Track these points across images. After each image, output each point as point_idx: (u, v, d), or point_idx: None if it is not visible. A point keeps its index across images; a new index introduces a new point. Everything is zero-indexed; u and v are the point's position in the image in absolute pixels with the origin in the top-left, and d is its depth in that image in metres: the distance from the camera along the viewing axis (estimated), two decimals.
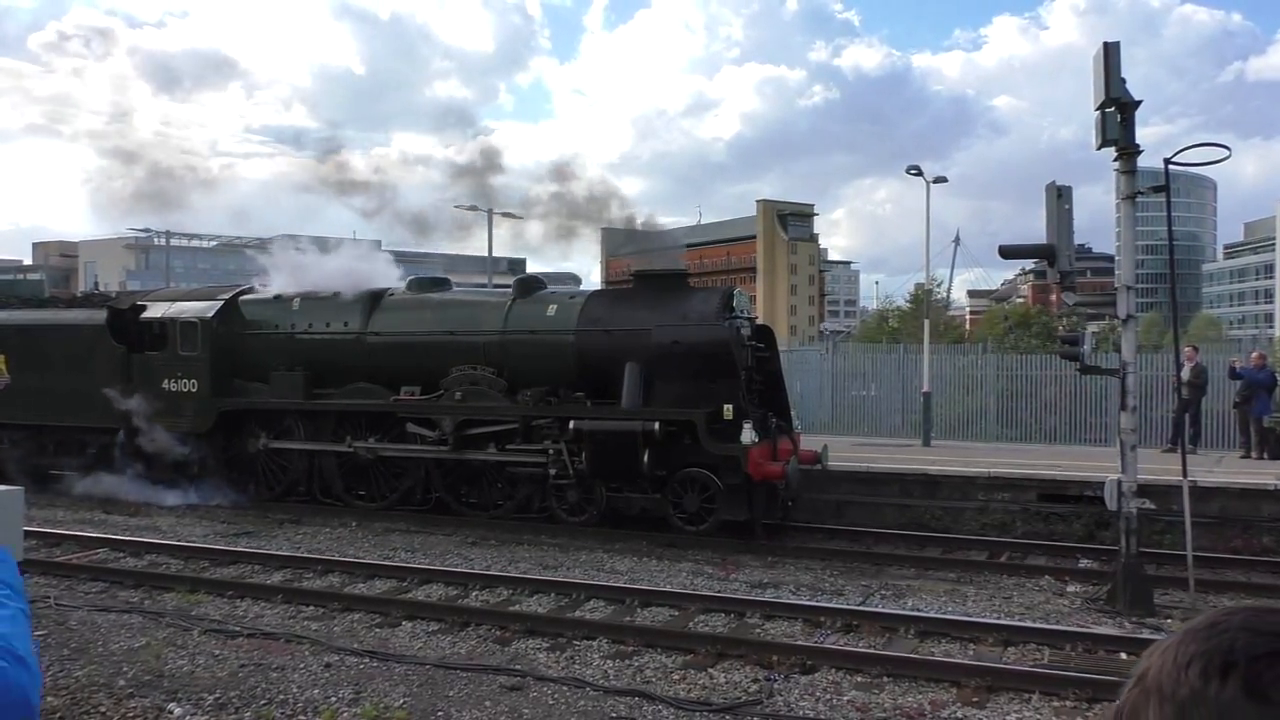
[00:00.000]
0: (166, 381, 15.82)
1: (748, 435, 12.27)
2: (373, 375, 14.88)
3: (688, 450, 12.73)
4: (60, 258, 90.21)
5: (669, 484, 12.89)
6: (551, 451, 13.36)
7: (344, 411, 14.99)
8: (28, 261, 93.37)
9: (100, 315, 16.76)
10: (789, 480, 12.60)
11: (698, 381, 12.77)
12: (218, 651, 7.97)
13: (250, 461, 15.67)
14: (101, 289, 41.92)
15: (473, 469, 14.22)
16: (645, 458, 12.65)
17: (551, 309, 14.03)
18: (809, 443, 14.19)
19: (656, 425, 12.62)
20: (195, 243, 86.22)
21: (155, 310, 16.49)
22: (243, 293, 16.54)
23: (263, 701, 6.84)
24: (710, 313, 13.11)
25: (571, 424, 13.08)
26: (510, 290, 14.85)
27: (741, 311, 13.73)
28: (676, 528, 12.81)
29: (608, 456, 12.90)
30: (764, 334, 14.38)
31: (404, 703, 6.82)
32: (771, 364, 14.08)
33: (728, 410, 12.54)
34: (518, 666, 7.66)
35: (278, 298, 16.21)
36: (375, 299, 15.39)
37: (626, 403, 12.99)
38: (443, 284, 16.27)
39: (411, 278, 16.51)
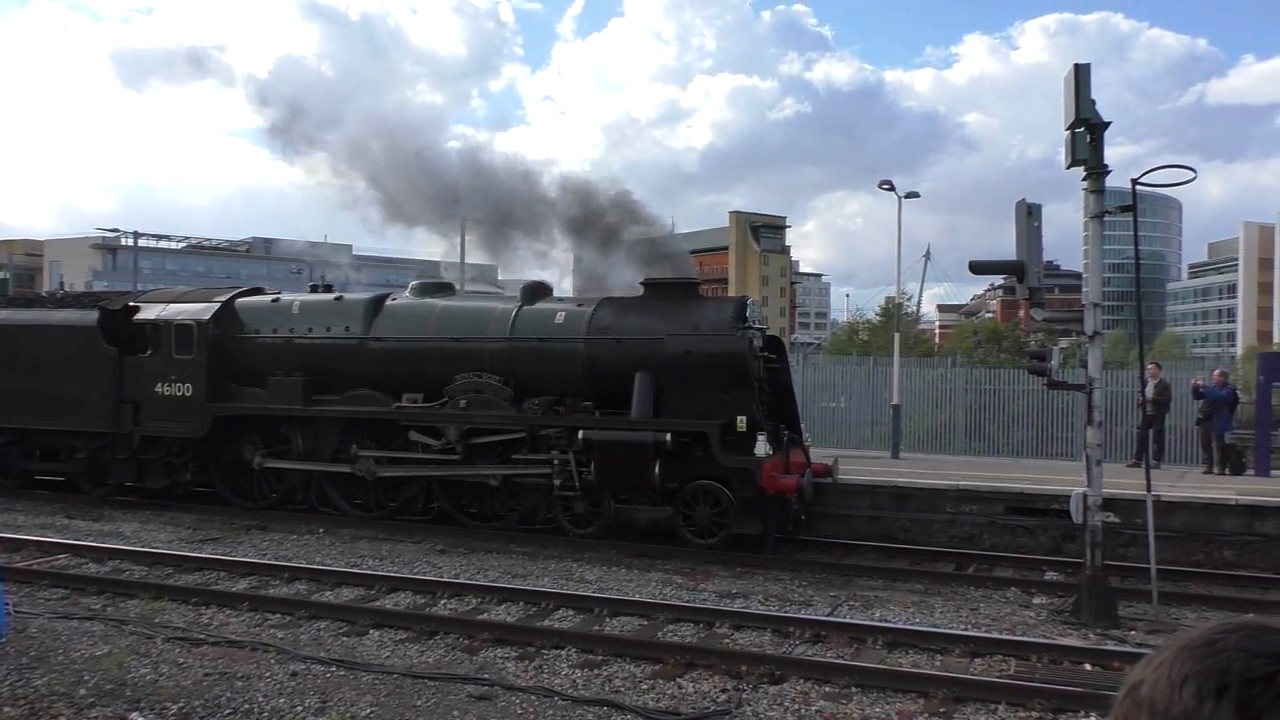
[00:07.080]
0: (160, 385, 15.37)
1: (762, 448, 12.13)
2: (375, 381, 14.55)
3: (699, 462, 12.54)
4: (25, 256, 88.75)
5: (680, 496, 12.73)
6: (558, 462, 13.16)
7: (344, 419, 14.70)
8: None
9: (91, 316, 16.14)
10: (803, 493, 12.55)
11: (710, 392, 12.59)
12: (182, 660, 7.87)
13: (246, 468, 15.29)
14: (67, 289, 41.27)
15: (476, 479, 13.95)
16: (656, 469, 12.43)
17: (559, 316, 13.80)
18: None
19: (668, 436, 12.44)
20: (164, 243, 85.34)
21: (149, 312, 15.94)
22: (240, 295, 16.17)
23: (227, 711, 6.76)
24: (724, 323, 12.95)
25: (580, 434, 12.85)
26: (516, 297, 14.67)
27: (754, 322, 13.57)
28: (688, 541, 12.62)
29: (618, 467, 12.65)
30: (774, 345, 14.24)
31: (371, 712, 6.77)
32: (782, 375, 13.95)
33: (741, 422, 12.36)
34: (486, 676, 7.62)
35: (276, 301, 15.88)
36: (378, 303, 15.10)
37: (637, 412, 12.79)
38: (447, 289, 16.01)
39: (415, 282, 16.15)
